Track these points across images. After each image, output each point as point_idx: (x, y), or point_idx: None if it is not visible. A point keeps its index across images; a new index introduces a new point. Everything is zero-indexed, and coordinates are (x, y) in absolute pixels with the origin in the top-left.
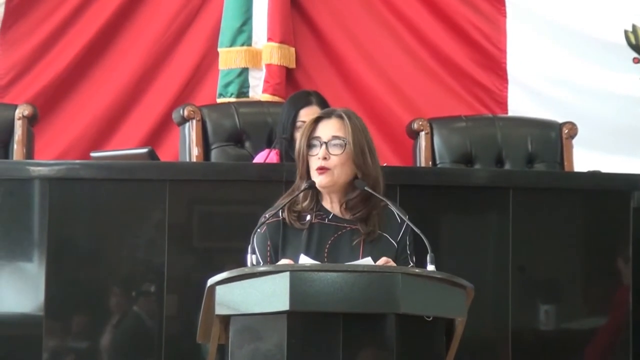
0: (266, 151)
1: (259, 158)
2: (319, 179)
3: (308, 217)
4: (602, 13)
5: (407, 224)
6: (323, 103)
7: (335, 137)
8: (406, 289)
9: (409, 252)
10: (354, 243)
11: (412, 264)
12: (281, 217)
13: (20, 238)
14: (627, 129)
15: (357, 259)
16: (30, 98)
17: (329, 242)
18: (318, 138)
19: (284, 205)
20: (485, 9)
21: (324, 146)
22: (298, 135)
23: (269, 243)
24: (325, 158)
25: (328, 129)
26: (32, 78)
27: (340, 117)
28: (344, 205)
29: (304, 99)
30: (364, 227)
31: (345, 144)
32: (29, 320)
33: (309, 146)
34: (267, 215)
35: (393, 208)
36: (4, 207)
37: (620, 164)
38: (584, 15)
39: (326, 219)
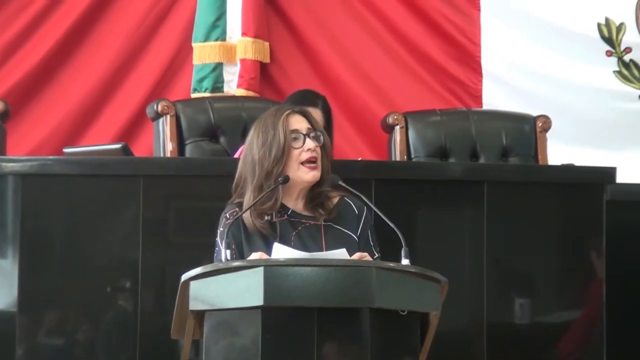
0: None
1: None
2: (310, 175)
3: (266, 217)
4: (576, 6)
5: (365, 216)
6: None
7: (310, 129)
8: (380, 283)
9: (372, 243)
10: (315, 232)
11: (377, 255)
12: (243, 218)
13: None
14: (601, 121)
15: (321, 246)
16: (2, 94)
17: (292, 237)
18: (297, 131)
19: (254, 203)
20: (459, 2)
21: (307, 138)
22: None
23: (233, 246)
24: (314, 149)
25: (302, 122)
26: (4, 74)
27: (303, 112)
28: (304, 201)
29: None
30: (319, 214)
31: (322, 135)
32: (3, 317)
33: (290, 140)
34: (227, 215)
35: (350, 200)
36: None
37: (593, 157)
38: (557, 9)
39: (285, 215)
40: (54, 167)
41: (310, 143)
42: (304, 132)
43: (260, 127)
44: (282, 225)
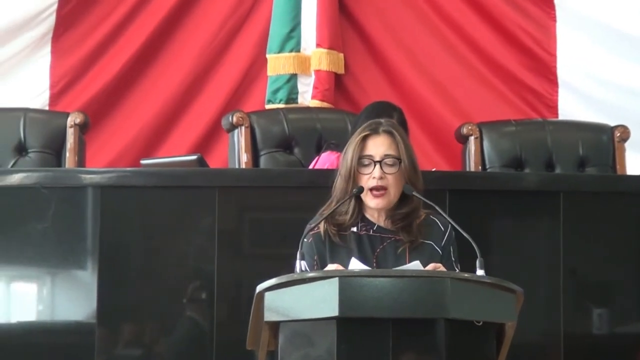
0: (334, 155)
1: (325, 161)
2: (374, 202)
3: (354, 229)
4: None
5: (449, 232)
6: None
7: (387, 156)
8: (455, 293)
9: (453, 259)
10: (399, 251)
11: (457, 271)
12: (322, 229)
13: (73, 245)
14: None
15: (404, 261)
16: (82, 106)
17: (376, 252)
18: (370, 157)
19: (326, 215)
20: (535, 13)
21: (377, 165)
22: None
23: (315, 257)
24: (381, 177)
25: (379, 147)
26: (84, 86)
27: (389, 133)
28: (389, 217)
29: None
30: (406, 236)
31: (400, 162)
32: (82, 328)
33: (360, 165)
34: (311, 225)
35: (436, 217)
36: (57, 214)
37: None
38: (634, 18)
39: (371, 230)
40: (131, 178)
41: (377, 172)
42: (377, 159)
43: (350, 139)
44: (368, 240)
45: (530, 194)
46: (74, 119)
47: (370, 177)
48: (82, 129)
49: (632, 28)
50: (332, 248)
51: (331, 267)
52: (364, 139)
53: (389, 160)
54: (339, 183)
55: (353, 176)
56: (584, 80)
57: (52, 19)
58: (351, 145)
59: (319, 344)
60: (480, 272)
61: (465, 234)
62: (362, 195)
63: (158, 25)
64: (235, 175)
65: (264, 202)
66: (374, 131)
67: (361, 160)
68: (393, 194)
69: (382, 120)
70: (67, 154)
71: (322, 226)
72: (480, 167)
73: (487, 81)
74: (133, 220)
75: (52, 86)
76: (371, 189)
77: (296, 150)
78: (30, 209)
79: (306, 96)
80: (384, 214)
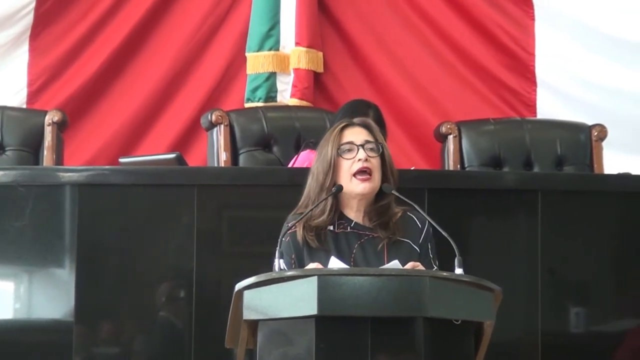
0: (313, 154)
1: (303, 160)
2: (362, 187)
3: (330, 227)
4: (631, 15)
5: (427, 229)
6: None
7: (368, 142)
8: (434, 292)
9: (431, 255)
10: (378, 248)
11: (435, 268)
12: (300, 235)
13: (50, 244)
14: None
15: (383, 263)
16: (60, 104)
17: (354, 250)
18: (351, 142)
19: (305, 215)
20: (513, 12)
21: (361, 148)
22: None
23: (293, 256)
24: (366, 159)
25: (359, 135)
26: (62, 84)
27: (365, 125)
28: (366, 214)
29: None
30: (383, 233)
31: (381, 148)
32: (60, 326)
33: (342, 151)
34: (289, 224)
35: (412, 214)
36: (34, 213)
37: None
38: (612, 17)
39: (348, 227)
40: (110, 177)
41: (362, 154)
42: (359, 144)
43: (322, 140)
44: (345, 237)
45: (509, 192)
46: (51, 117)
47: (354, 161)
48: (60, 127)
49: (610, 27)
50: (309, 251)
51: (311, 265)
52: (342, 129)
53: (370, 145)
54: (311, 183)
55: (333, 166)
56: (562, 79)
57: (30, 17)
58: (329, 138)
59: (298, 342)
60: (458, 270)
61: (444, 233)
62: (345, 186)
63: (137, 23)
64: (214, 173)
65: (243, 201)
66: (350, 123)
67: (342, 147)
68: (376, 179)
69: (355, 119)
70: (45, 152)
71: (299, 231)
72: (459, 166)
73: (465, 80)
74: (111, 219)
75: (29, 84)
76: (355, 174)
77: (275, 149)
78: (7, 207)
79: (285, 95)
80: (362, 209)
